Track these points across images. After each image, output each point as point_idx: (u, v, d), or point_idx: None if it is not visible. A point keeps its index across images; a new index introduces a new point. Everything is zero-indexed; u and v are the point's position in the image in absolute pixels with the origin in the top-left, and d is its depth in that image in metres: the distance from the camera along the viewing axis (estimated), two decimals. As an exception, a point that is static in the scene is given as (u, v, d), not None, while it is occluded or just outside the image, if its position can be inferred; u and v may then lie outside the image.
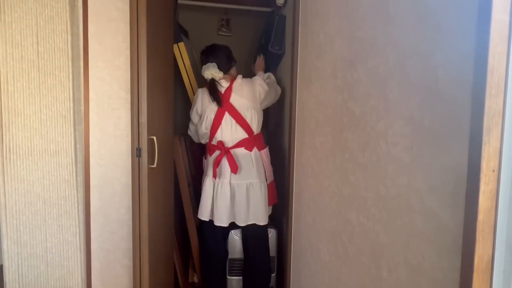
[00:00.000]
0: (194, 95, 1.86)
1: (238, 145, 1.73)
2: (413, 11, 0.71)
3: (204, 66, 1.74)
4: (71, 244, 1.54)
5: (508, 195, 0.54)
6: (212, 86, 1.72)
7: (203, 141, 1.85)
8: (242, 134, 1.73)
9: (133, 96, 1.37)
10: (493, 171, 0.53)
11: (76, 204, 1.53)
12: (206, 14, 2.54)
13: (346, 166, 1.03)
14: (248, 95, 1.73)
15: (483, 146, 0.52)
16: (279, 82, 2.20)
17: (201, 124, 1.76)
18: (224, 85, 1.74)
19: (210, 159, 1.76)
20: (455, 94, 0.59)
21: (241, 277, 1.88)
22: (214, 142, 1.75)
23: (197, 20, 2.53)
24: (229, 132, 1.72)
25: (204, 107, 1.74)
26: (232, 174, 1.68)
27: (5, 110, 1.41)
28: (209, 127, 1.74)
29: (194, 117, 1.82)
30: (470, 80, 0.55)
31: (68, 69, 1.48)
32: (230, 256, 1.88)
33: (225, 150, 1.71)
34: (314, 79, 1.36)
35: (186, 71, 2.02)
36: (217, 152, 1.74)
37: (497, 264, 0.54)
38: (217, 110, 1.71)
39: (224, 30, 2.56)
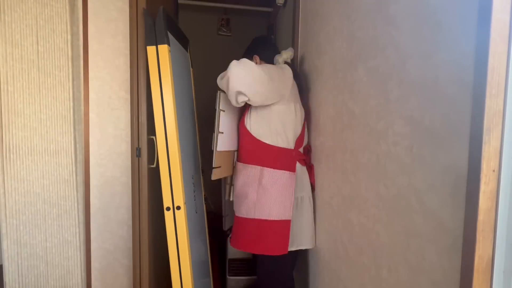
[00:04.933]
0: (162, 112, 1.24)
1: None
2: (413, 11, 0.70)
3: (288, 49, 1.37)
4: (71, 244, 1.54)
5: (508, 195, 0.54)
6: (297, 76, 1.33)
7: (271, 138, 1.27)
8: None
9: (133, 96, 1.37)
10: (493, 171, 0.53)
11: (76, 204, 1.53)
12: (206, 14, 2.54)
13: (346, 166, 1.03)
14: None
15: (483, 146, 0.52)
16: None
17: (289, 116, 1.27)
18: None
19: (301, 169, 1.33)
20: (455, 94, 0.59)
21: (241, 277, 1.88)
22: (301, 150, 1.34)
23: (197, 20, 2.53)
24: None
25: (294, 97, 1.29)
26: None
27: (5, 110, 1.41)
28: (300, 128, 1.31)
29: (278, 91, 1.21)
30: (470, 80, 0.55)
31: (68, 69, 1.48)
32: (230, 256, 1.88)
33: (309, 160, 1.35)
34: (314, 79, 1.36)
35: (161, 83, 1.24)
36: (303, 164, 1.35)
37: (497, 264, 0.54)
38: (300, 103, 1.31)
39: (224, 30, 2.57)
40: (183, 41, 1.66)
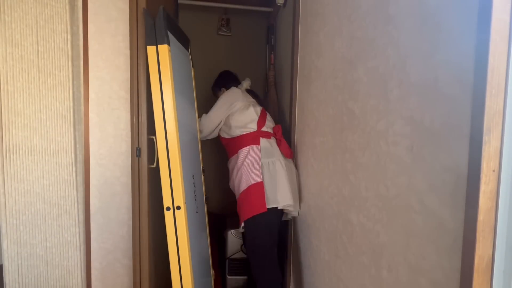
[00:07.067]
0: (162, 113, 1.28)
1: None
2: (413, 11, 0.70)
3: (246, 79, 1.94)
4: (71, 244, 1.54)
5: (508, 195, 0.54)
6: (253, 93, 1.91)
7: (238, 131, 1.69)
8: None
9: (133, 95, 1.37)
10: (494, 171, 0.53)
11: (76, 204, 1.53)
12: (206, 14, 2.54)
13: (346, 166, 1.03)
14: None
15: (483, 146, 0.52)
16: (279, 81, 2.21)
17: (245, 114, 1.70)
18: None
19: (268, 142, 1.65)
20: (455, 94, 0.59)
21: (241, 277, 1.88)
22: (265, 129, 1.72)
23: (197, 20, 2.53)
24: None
25: (247, 102, 1.74)
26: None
27: (5, 110, 1.41)
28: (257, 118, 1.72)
29: (225, 111, 1.73)
30: (471, 80, 0.55)
31: (68, 69, 1.48)
32: (229, 256, 1.88)
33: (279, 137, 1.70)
34: (314, 79, 1.36)
35: (161, 83, 1.26)
36: (270, 138, 1.70)
37: (497, 264, 0.54)
38: (263, 108, 1.78)
39: (224, 30, 2.57)
40: (184, 41, 1.66)
